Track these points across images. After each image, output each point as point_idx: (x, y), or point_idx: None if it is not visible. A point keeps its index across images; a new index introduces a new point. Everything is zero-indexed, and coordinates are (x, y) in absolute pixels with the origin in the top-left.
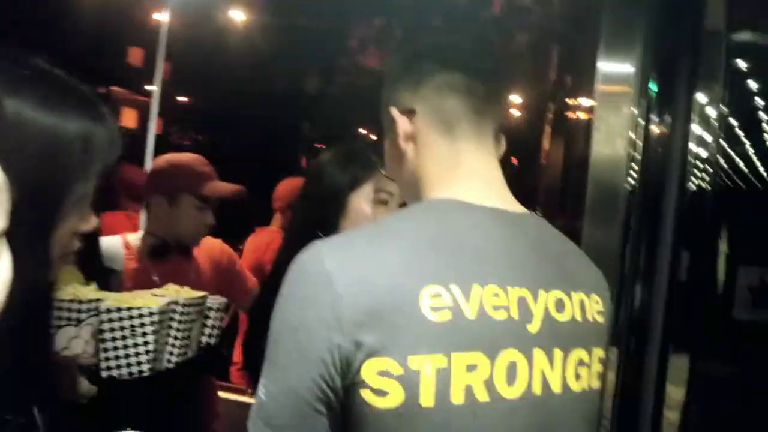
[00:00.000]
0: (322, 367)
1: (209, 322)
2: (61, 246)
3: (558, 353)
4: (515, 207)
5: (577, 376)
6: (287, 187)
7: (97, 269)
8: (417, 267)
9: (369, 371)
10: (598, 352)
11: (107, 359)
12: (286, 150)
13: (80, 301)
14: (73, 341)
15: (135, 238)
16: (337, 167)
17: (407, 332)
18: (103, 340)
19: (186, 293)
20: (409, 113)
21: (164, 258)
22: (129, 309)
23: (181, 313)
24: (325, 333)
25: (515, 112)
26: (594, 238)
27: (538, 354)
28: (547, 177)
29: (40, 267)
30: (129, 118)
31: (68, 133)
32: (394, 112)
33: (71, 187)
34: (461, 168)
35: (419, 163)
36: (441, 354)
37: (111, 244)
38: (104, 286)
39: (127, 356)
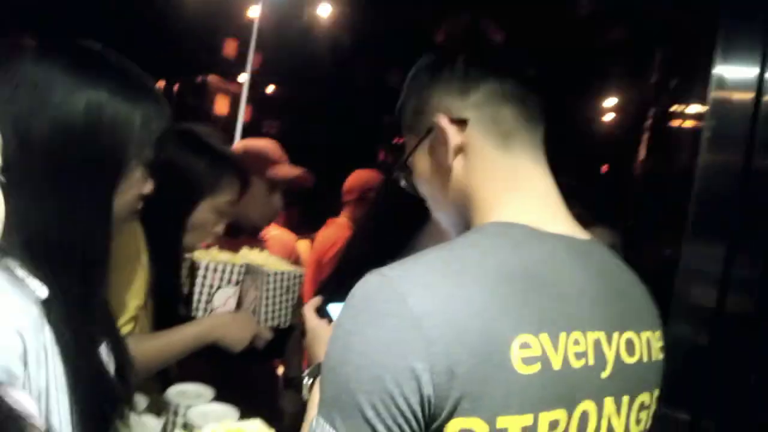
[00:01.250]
0: (408, 421)
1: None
2: (130, 206)
3: (625, 399)
4: (579, 232)
5: (638, 421)
6: (357, 178)
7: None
8: (505, 310)
9: (453, 429)
10: (657, 392)
11: (266, 312)
12: (365, 142)
13: (234, 266)
14: (230, 300)
15: None
16: None
17: (497, 388)
18: (267, 297)
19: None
20: (460, 123)
21: (235, 238)
22: (286, 272)
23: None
24: (415, 385)
25: (609, 115)
26: (697, 254)
27: (608, 402)
28: (642, 186)
29: (99, 219)
30: (221, 105)
31: (133, 116)
32: (443, 121)
33: (131, 158)
34: (520, 186)
35: (470, 180)
36: (529, 414)
37: None
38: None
39: (281, 310)
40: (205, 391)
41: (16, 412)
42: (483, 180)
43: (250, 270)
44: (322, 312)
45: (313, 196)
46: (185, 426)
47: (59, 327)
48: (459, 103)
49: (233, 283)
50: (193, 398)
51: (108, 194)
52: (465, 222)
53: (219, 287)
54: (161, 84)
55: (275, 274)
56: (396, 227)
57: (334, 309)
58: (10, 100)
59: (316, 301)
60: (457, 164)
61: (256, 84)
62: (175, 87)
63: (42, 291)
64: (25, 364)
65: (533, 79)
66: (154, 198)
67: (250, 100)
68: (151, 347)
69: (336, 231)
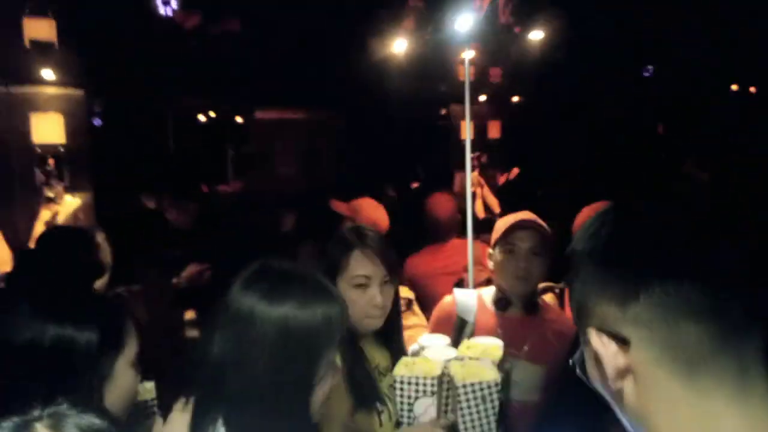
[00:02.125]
0: None
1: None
2: (319, 404)
3: None
4: None
5: None
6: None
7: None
8: None
9: None
10: None
11: (463, 423)
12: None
13: (426, 378)
14: (429, 408)
15: (488, 292)
16: None
17: None
18: (461, 409)
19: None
20: (622, 342)
21: (507, 312)
22: (480, 382)
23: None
24: None
25: None
26: None
27: None
28: None
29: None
30: (493, 130)
31: (300, 319)
32: (597, 337)
33: (320, 359)
34: None
35: (646, 415)
36: None
37: (466, 296)
38: (459, 336)
39: (478, 420)
40: None
41: None
42: (661, 421)
43: (443, 381)
44: None
45: None
46: None
47: None
48: (618, 314)
49: (428, 394)
50: None
51: (309, 402)
52: None
53: (417, 398)
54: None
55: (465, 386)
56: None
57: None
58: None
59: None
60: (628, 389)
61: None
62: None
63: None
64: None
65: (737, 284)
66: None
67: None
68: None
69: None
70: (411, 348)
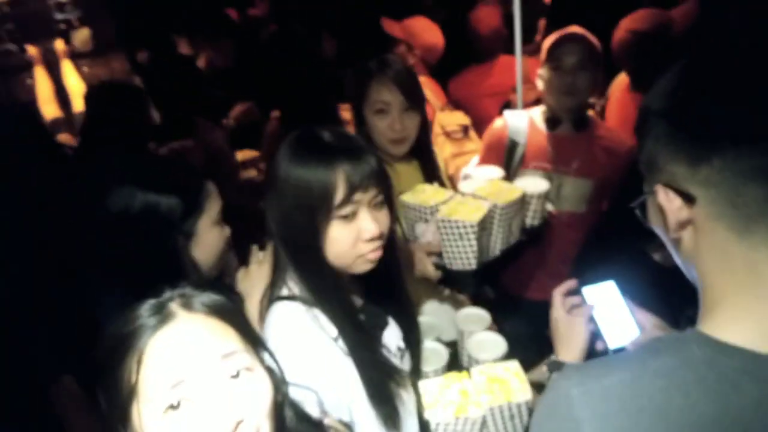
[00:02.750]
0: None
1: (531, 208)
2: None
3: None
4: None
5: None
6: None
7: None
8: None
9: None
10: None
11: (445, 254)
12: None
13: (425, 207)
14: (426, 233)
15: (537, 112)
16: None
17: None
18: (442, 240)
19: (509, 194)
20: (688, 200)
21: (556, 130)
22: (455, 221)
23: (500, 214)
24: None
25: None
26: None
27: None
28: None
29: (321, 278)
30: None
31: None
32: (665, 193)
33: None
34: (756, 286)
35: (699, 261)
36: None
37: (516, 118)
38: (510, 158)
39: (458, 254)
40: (485, 315)
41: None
42: (713, 267)
43: (434, 213)
44: (576, 292)
45: None
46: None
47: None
48: (687, 174)
49: (423, 220)
50: (475, 322)
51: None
52: (693, 278)
53: (415, 221)
54: None
55: (443, 221)
56: None
57: (589, 292)
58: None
59: (569, 284)
60: (686, 237)
61: None
62: None
63: (333, 332)
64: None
65: None
66: None
67: None
68: None
69: None
70: (462, 172)
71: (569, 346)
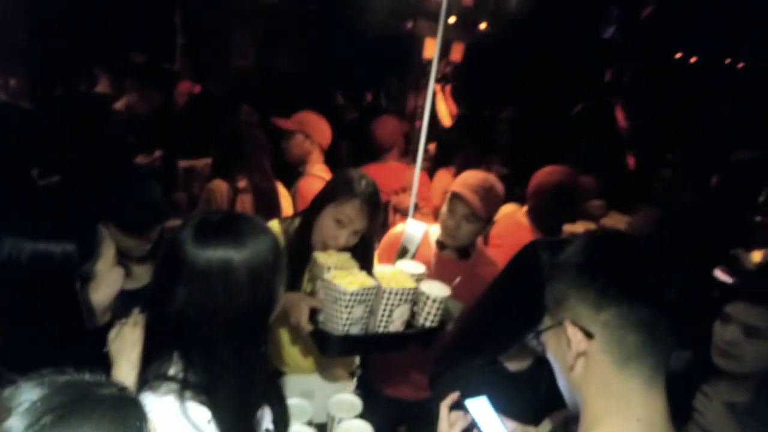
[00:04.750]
0: None
1: (426, 309)
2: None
3: None
4: None
5: None
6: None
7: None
8: None
9: None
10: None
11: (323, 313)
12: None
13: (321, 264)
14: (320, 290)
15: (435, 229)
16: None
17: None
18: (323, 300)
19: (402, 282)
20: (587, 336)
21: (443, 251)
22: (334, 285)
23: (386, 298)
24: None
25: None
26: None
27: None
28: None
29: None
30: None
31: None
32: (571, 327)
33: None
34: (626, 410)
35: (585, 387)
36: None
37: (414, 228)
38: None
39: (331, 316)
40: (357, 402)
41: None
42: (595, 392)
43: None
44: (459, 406)
45: None
46: None
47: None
48: (591, 315)
49: (321, 279)
50: (346, 410)
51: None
52: (575, 406)
53: (317, 277)
54: None
55: (324, 281)
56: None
57: (471, 404)
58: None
59: (453, 396)
60: (579, 365)
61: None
62: None
63: (207, 415)
64: None
65: (671, 304)
66: None
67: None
68: None
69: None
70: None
71: None
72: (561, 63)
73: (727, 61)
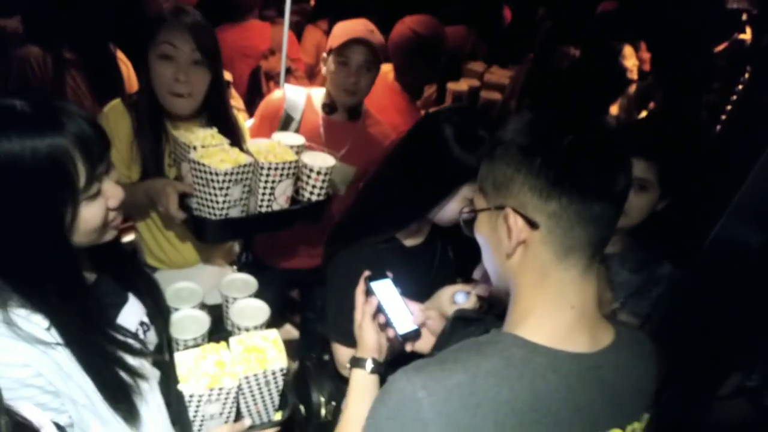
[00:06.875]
0: None
1: (310, 182)
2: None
3: None
4: (603, 339)
5: None
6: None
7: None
8: None
9: None
10: None
11: (195, 198)
12: None
13: (187, 145)
14: (188, 173)
15: (317, 93)
16: None
17: None
18: (193, 183)
19: (281, 156)
20: (531, 225)
21: (331, 116)
22: (204, 165)
23: (267, 173)
24: None
25: None
26: None
27: None
28: None
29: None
30: None
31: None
32: (514, 216)
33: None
34: (561, 299)
35: (520, 275)
36: None
37: (295, 93)
38: (284, 129)
39: (204, 200)
40: (251, 281)
41: (27, 422)
42: (531, 281)
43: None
44: (369, 291)
45: None
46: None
47: (67, 341)
48: (538, 204)
49: (187, 160)
50: (240, 289)
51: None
52: (504, 289)
53: (181, 159)
54: None
55: (193, 162)
56: (426, 192)
57: (376, 286)
58: None
59: (363, 280)
60: (517, 254)
61: None
62: None
63: (44, 323)
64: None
65: (621, 194)
66: None
67: None
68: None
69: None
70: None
71: (362, 343)
72: None
73: None
